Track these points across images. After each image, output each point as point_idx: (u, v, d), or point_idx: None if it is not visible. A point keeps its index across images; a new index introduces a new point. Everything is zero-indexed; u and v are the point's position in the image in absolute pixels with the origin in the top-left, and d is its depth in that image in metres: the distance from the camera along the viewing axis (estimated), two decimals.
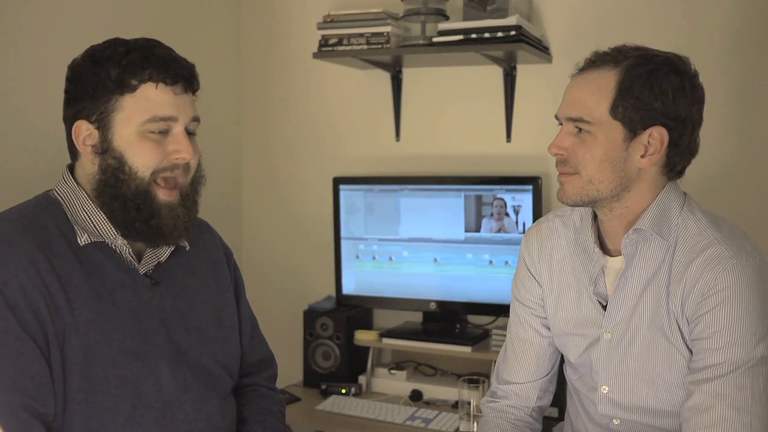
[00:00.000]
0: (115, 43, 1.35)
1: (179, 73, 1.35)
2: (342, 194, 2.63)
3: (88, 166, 1.36)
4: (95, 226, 1.35)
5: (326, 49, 2.48)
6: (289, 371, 2.66)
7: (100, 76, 1.31)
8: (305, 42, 2.70)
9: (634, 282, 1.47)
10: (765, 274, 1.39)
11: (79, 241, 1.32)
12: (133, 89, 1.31)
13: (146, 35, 1.43)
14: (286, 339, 2.73)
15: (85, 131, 1.34)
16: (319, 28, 2.48)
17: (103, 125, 1.32)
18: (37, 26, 2.08)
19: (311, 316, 2.61)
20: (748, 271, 1.37)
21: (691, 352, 1.42)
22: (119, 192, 1.33)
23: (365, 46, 2.42)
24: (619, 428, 1.53)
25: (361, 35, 2.42)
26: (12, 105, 2.02)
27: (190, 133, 1.39)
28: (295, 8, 2.81)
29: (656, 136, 1.40)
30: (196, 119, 1.40)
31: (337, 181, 2.64)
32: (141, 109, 1.32)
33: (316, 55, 2.50)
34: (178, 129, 1.36)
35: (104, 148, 1.33)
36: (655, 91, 1.38)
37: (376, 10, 2.42)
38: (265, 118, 2.90)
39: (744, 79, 2.26)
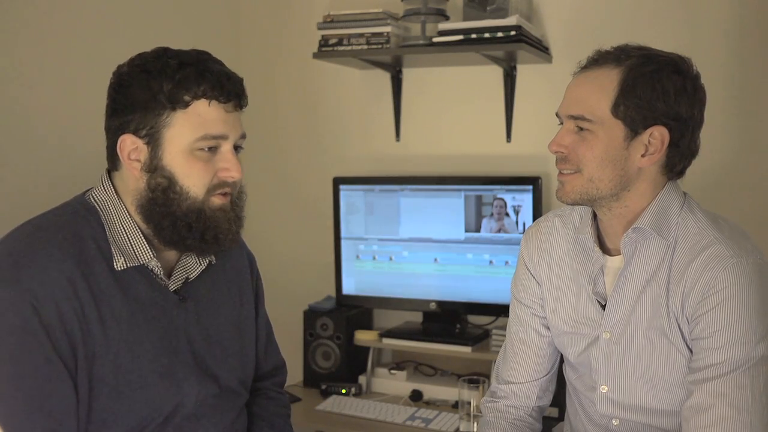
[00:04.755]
0: (166, 54, 1.30)
1: (232, 91, 1.32)
2: (342, 194, 2.63)
3: (131, 180, 1.31)
4: (131, 246, 1.31)
5: (326, 49, 2.48)
6: (289, 371, 2.64)
7: (152, 90, 1.27)
8: (305, 42, 2.70)
9: (634, 281, 1.47)
10: (765, 273, 1.39)
11: (116, 266, 1.28)
12: (186, 105, 1.27)
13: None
14: (286, 339, 2.71)
15: (130, 145, 1.29)
16: (319, 28, 2.49)
17: (153, 141, 1.28)
18: (39, 26, 2.08)
19: (311, 316, 2.61)
20: (749, 271, 1.37)
21: (691, 351, 1.42)
22: (169, 211, 1.29)
23: (365, 46, 2.42)
24: (618, 428, 1.53)
25: (361, 35, 2.42)
26: (19, 107, 2.02)
27: (236, 148, 1.37)
28: (295, 8, 2.81)
29: (657, 136, 1.40)
30: (243, 136, 1.37)
31: (337, 181, 2.64)
32: (193, 126, 1.28)
33: (316, 55, 2.50)
34: (227, 147, 1.33)
35: (154, 166, 1.29)
36: (657, 91, 1.38)
37: (376, 10, 2.42)
38: (264, 118, 2.90)
39: (744, 80, 2.26)
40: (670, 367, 1.44)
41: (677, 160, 1.44)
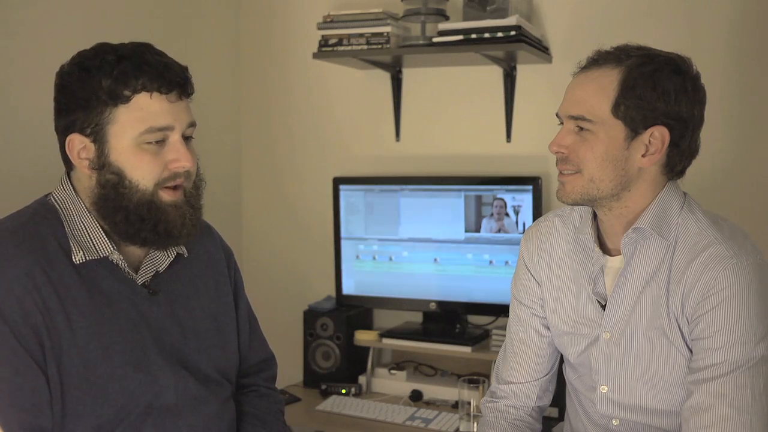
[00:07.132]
0: (103, 50, 1.29)
1: (173, 81, 1.30)
2: (342, 194, 2.63)
3: (84, 179, 1.32)
4: (92, 241, 1.32)
5: (326, 49, 2.48)
6: (289, 371, 2.66)
7: (92, 87, 1.26)
8: (305, 42, 2.70)
9: (634, 281, 1.47)
10: (765, 273, 1.39)
11: (74, 259, 1.29)
12: (127, 100, 1.27)
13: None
14: (286, 339, 2.73)
15: (79, 144, 1.29)
16: (319, 28, 2.48)
17: (98, 138, 1.28)
18: (37, 27, 2.08)
19: (311, 316, 2.61)
20: (749, 271, 1.37)
21: (691, 351, 1.42)
22: (121, 205, 1.30)
23: (365, 46, 2.42)
24: (618, 428, 1.53)
25: (361, 35, 2.42)
26: (11, 106, 2.02)
27: (186, 138, 1.35)
28: (295, 8, 2.81)
29: (657, 136, 1.40)
30: (192, 124, 1.35)
31: (337, 181, 2.64)
32: (136, 121, 1.27)
33: (316, 55, 2.50)
34: (175, 137, 1.31)
35: (101, 163, 1.29)
36: (658, 91, 1.38)
37: (376, 10, 2.42)
38: (264, 118, 2.90)
39: (744, 80, 2.26)
40: (670, 368, 1.44)
41: (677, 160, 1.45)
